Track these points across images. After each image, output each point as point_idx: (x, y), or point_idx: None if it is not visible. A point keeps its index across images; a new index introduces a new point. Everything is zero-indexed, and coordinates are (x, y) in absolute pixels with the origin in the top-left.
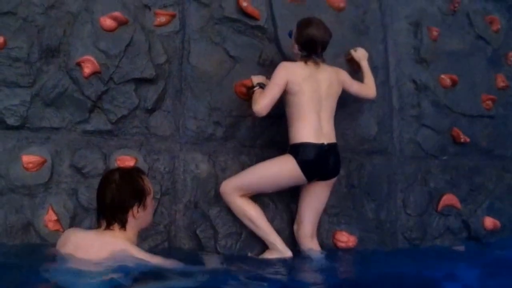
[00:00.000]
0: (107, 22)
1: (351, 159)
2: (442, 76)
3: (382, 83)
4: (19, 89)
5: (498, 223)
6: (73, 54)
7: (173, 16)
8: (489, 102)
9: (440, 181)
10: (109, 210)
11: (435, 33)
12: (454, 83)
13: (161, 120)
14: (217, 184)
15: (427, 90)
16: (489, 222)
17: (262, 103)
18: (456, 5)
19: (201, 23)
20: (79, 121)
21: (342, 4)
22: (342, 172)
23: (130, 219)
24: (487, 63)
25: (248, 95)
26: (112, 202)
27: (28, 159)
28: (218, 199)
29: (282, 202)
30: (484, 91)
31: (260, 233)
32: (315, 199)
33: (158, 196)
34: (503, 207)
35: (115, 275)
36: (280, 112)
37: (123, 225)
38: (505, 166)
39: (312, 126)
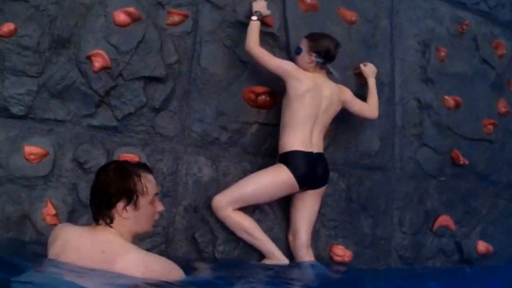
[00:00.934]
0: (121, 17)
1: (351, 173)
2: (446, 97)
3: (387, 100)
4: (26, 78)
5: (490, 247)
6: (83, 47)
7: (186, 16)
8: (490, 127)
9: (437, 201)
10: (96, 204)
11: (442, 54)
12: (457, 105)
13: (167, 121)
14: (219, 189)
15: (430, 110)
16: (482, 246)
17: (253, 49)
18: (465, 27)
19: (214, 25)
20: (85, 115)
21: (354, 18)
22: (342, 185)
23: (117, 217)
24: (490, 87)
25: (256, 102)
26: (99, 194)
27: (30, 150)
28: None
29: (282, 211)
30: (485, 115)
31: (257, 243)
32: (307, 209)
33: (159, 197)
34: (495, 232)
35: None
36: None
37: (109, 222)
38: (499, 192)
39: (303, 136)
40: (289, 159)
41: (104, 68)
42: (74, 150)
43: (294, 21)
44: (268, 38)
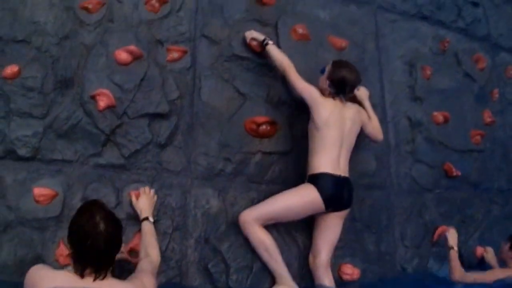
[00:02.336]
0: (123, 55)
1: None
2: (435, 113)
3: (379, 120)
4: (32, 120)
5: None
6: (87, 87)
7: (185, 52)
8: (478, 137)
9: (434, 213)
10: (103, 257)
11: (428, 72)
12: (446, 120)
13: (173, 155)
14: (227, 219)
15: (421, 127)
16: (480, 251)
17: (287, 67)
18: (446, 44)
19: (211, 60)
20: (92, 154)
21: (343, 44)
22: None
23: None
24: (475, 99)
25: (258, 132)
26: (109, 247)
27: (40, 191)
28: (229, 233)
29: (290, 235)
30: (472, 127)
31: (272, 263)
32: (330, 231)
33: (170, 231)
34: (492, 237)
35: None
36: (286, 148)
37: (106, 273)
38: (492, 199)
39: (331, 159)
40: (318, 180)
41: (109, 107)
42: (83, 189)
43: (288, 50)
44: (264, 69)
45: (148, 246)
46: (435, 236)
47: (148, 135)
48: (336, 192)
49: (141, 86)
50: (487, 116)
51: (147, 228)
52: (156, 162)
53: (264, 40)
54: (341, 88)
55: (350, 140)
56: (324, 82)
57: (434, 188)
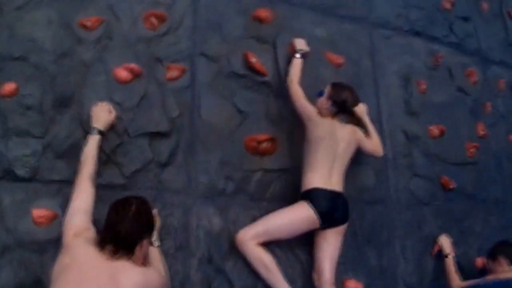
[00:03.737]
0: (123, 73)
1: (353, 208)
2: (431, 127)
3: None
4: (30, 139)
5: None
6: (86, 105)
7: (184, 70)
8: (473, 150)
9: (433, 226)
10: (122, 239)
11: (423, 86)
12: (442, 133)
13: (174, 174)
14: (230, 238)
15: (417, 141)
16: (481, 262)
17: (292, 84)
18: (439, 59)
19: (210, 77)
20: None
21: (340, 61)
22: None
23: (137, 251)
24: (468, 113)
25: (258, 150)
26: (126, 231)
27: (39, 213)
28: (232, 252)
29: (292, 253)
30: (467, 140)
31: (272, 279)
32: (331, 248)
33: (172, 252)
34: (491, 247)
35: None
36: (286, 165)
37: (129, 257)
38: (488, 210)
39: (322, 174)
40: (311, 196)
41: (110, 126)
42: None
43: (286, 67)
44: (263, 87)
45: (159, 265)
46: (434, 250)
47: (148, 154)
48: (330, 207)
49: (141, 105)
50: (481, 129)
51: (154, 253)
52: (157, 181)
53: (298, 51)
54: (343, 107)
55: (343, 160)
56: (324, 103)
57: (431, 201)
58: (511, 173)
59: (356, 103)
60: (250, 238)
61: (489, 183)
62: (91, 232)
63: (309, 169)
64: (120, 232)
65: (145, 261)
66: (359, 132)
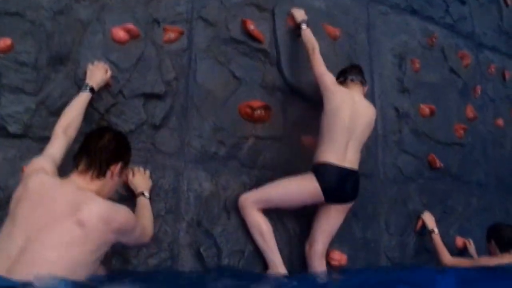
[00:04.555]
0: (120, 34)
1: None
2: (422, 105)
3: None
4: (24, 96)
5: (468, 242)
6: (82, 64)
7: (182, 33)
8: (461, 131)
9: (417, 203)
10: (98, 155)
11: (417, 65)
12: (432, 113)
13: (167, 137)
14: (220, 203)
15: (407, 118)
16: (460, 241)
17: (316, 55)
18: (434, 39)
19: (207, 42)
20: (85, 133)
21: (337, 33)
22: None
23: (108, 175)
24: (459, 95)
25: (252, 117)
26: (105, 148)
27: None
28: (221, 217)
29: (281, 222)
30: (456, 121)
31: (266, 248)
32: (329, 222)
33: (163, 214)
34: (471, 227)
35: None
36: (278, 134)
37: (101, 176)
38: (472, 191)
39: (337, 149)
40: (320, 170)
41: (104, 86)
42: None
43: (283, 37)
44: (259, 54)
45: (142, 218)
46: (417, 227)
47: (143, 116)
48: (337, 184)
49: (137, 66)
50: (470, 111)
51: (142, 202)
52: (150, 143)
53: (301, 22)
54: (346, 71)
55: (362, 134)
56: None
57: (417, 179)
58: (495, 156)
59: (353, 67)
60: (252, 202)
61: (473, 165)
62: (52, 173)
63: (324, 141)
64: (94, 150)
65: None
66: (375, 112)
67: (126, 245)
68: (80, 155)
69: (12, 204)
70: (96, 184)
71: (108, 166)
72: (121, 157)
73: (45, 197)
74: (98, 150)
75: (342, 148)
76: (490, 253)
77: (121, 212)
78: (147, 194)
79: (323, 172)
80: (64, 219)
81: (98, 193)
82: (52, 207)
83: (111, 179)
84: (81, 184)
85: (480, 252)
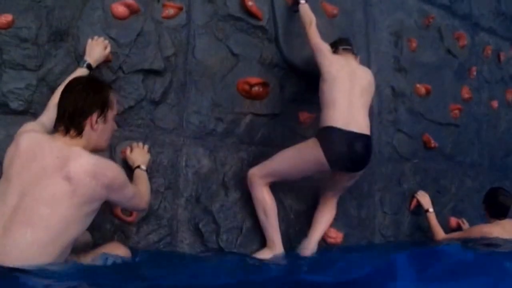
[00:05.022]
0: (120, 9)
1: None
2: (418, 85)
3: None
4: (25, 72)
5: (462, 222)
6: (82, 40)
7: (181, 9)
8: (456, 112)
9: (412, 182)
10: (68, 114)
11: (414, 45)
12: (427, 92)
13: (166, 113)
14: (218, 179)
15: (403, 97)
16: (454, 221)
17: (313, 28)
18: (431, 20)
19: (206, 18)
20: None
21: (335, 11)
22: None
23: (88, 128)
24: (454, 75)
25: (250, 93)
26: (73, 105)
27: None
28: (219, 194)
29: (276, 198)
30: (452, 101)
31: (267, 225)
32: (335, 184)
33: (162, 190)
34: (464, 208)
35: None
36: (276, 111)
37: (79, 132)
38: (465, 171)
39: (341, 112)
40: (322, 135)
41: (105, 61)
42: None
43: (282, 14)
44: (258, 31)
45: (138, 185)
46: (411, 206)
47: (142, 91)
48: (342, 149)
49: (137, 42)
50: (465, 92)
51: (139, 173)
52: (149, 119)
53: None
54: (335, 42)
55: (364, 97)
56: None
57: (412, 158)
58: (489, 138)
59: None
60: (260, 177)
61: (467, 146)
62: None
63: (325, 106)
64: (67, 107)
65: (100, 147)
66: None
67: (122, 206)
68: (57, 117)
69: (5, 164)
70: (80, 140)
71: (82, 123)
72: (92, 108)
73: (35, 154)
74: (67, 109)
75: (345, 111)
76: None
77: (110, 167)
78: (143, 167)
79: (325, 136)
80: (53, 174)
81: (87, 146)
82: (42, 163)
83: (94, 130)
84: (67, 141)
85: None
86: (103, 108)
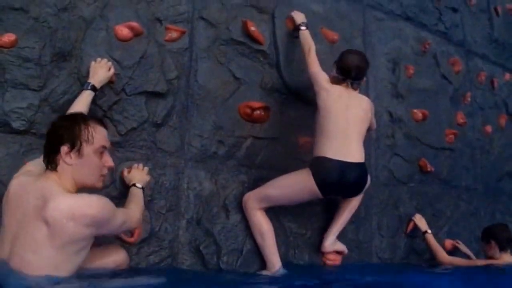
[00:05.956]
0: (124, 31)
1: None
2: (414, 110)
3: None
4: (27, 92)
5: (456, 243)
6: (85, 61)
7: (183, 32)
8: (451, 136)
9: (408, 206)
10: (45, 149)
11: (411, 71)
12: (424, 117)
13: (168, 136)
14: (219, 201)
15: (400, 123)
16: (449, 244)
17: (309, 52)
18: (427, 46)
19: (208, 42)
20: None
21: (335, 37)
22: None
23: (61, 163)
24: (450, 101)
25: (251, 117)
26: (48, 139)
27: None
28: (220, 216)
29: (277, 220)
30: (447, 126)
31: (265, 248)
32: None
33: (164, 212)
34: (459, 231)
35: None
36: (276, 134)
37: (53, 167)
38: (460, 195)
39: (335, 145)
40: (314, 164)
41: (107, 83)
42: None
43: (283, 39)
44: (259, 55)
45: (129, 204)
46: (408, 228)
47: (144, 113)
48: (333, 178)
49: (140, 64)
50: (460, 117)
51: (133, 191)
52: (151, 141)
53: (300, 24)
54: (347, 73)
55: (358, 128)
56: (333, 70)
57: (408, 182)
58: (483, 162)
59: (361, 66)
60: (254, 202)
61: (462, 170)
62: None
63: (319, 137)
64: (45, 144)
65: (90, 184)
66: (371, 105)
67: (114, 234)
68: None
69: (2, 211)
70: (58, 176)
71: (54, 156)
72: (60, 142)
73: (21, 199)
74: (45, 144)
75: (338, 142)
76: (486, 255)
77: (89, 205)
78: (139, 185)
79: (317, 166)
80: (34, 217)
81: (67, 183)
82: (25, 207)
83: (68, 165)
84: (49, 178)
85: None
86: (73, 142)
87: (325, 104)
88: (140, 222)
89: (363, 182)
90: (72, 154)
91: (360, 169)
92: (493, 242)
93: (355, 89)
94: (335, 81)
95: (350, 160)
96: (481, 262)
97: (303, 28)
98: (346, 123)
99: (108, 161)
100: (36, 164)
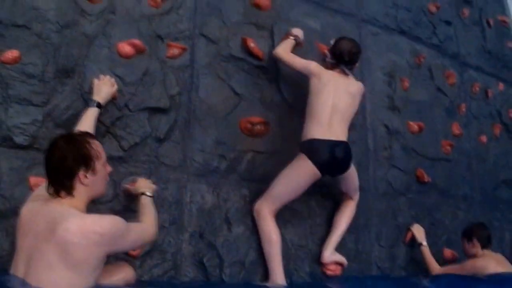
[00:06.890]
0: (126, 48)
1: (334, 194)
2: (410, 122)
3: (360, 126)
4: (31, 107)
5: (455, 253)
6: (88, 77)
7: (185, 49)
8: (448, 147)
9: (407, 216)
10: (55, 177)
11: (406, 84)
12: (420, 129)
13: (170, 150)
14: (221, 215)
15: (397, 135)
16: (448, 253)
17: (280, 53)
18: (421, 59)
19: (209, 59)
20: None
21: None
22: (328, 206)
23: (78, 185)
24: (445, 112)
25: (252, 132)
26: (57, 167)
27: (36, 181)
28: (222, 229)
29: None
30: (443, 137)
31: (270, 258)
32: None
33: (166, 225)
34: (457, 239)
35: None
36: (276, 148)
37: (69, 192)
38: (458, 205)
39: (320, 125)
40: (306, 146)
41: (111, 99)
42: None
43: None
44: (258, 71)
45: (143, 216)
46: (406, 238)
47: (147, 129)
48: (327, 155)
49: (142, 80)
50: (456, 128)
51: (143, 201)
52: (154, 156)
53: (293, 35)
54: (340, 58)
55: (345, 111)
56: (327, 56)
57: (406, 192)
58: (479, 172)
59: (354, 48)
60: (265, 207)
61: (459, 180)
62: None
63: (308, 120)
64: (50, 173)
65: (98, 195)
66: (363, 91)
67: (130, 250)
68: (47, 180)
69: (16, 235)
70: (73, 198)
71: (71, 182)
72: (78, 165)
73: (32, 223)
74: (54, 171)
75: (325, 124)
76: (467, 254)
77: (99, 223)
78: (149, 193)
79: (309, 147)
80: (46, 240)
81: (81, 203)
82: (36, 232)
83: (85, 185)
84: (59, 202)
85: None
86: (88, 162)
87: (315, 89)
88: (156, 234)
89: (349, 157)
90: (89, 175)
91: (345, 146)
92: (475, 240)
93: (347, 74)
94: (327, 66)
95: (336, 139)
96: (470, 264)
97: (291, 38)
98: (335, 105)
99: (109, 167)
100: (45, 189)
